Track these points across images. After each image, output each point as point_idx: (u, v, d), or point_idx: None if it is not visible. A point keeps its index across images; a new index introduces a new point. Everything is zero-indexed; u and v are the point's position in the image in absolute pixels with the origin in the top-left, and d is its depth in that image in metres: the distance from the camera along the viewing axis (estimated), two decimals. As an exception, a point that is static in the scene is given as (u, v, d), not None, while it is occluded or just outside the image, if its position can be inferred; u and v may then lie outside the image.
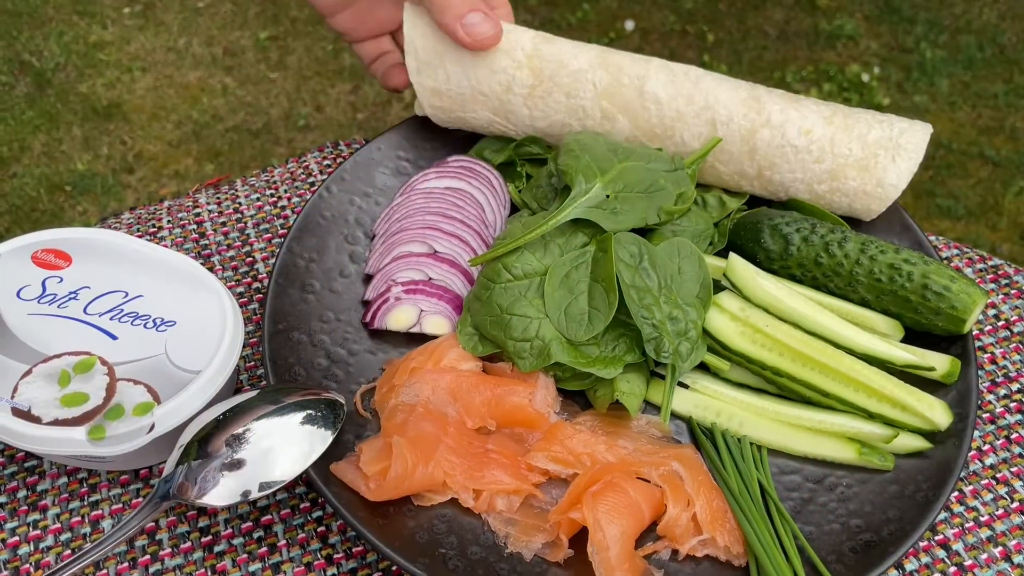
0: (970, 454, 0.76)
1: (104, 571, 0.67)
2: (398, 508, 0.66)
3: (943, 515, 0.73)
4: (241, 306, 0.84)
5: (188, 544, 0.69)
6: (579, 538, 0.65)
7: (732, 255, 0.79)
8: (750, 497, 0.67)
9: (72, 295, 0.74)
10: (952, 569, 0.69)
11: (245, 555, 0.68)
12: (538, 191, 0.85)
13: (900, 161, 0.81)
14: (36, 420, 0.66)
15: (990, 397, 0.81)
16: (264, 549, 0.69)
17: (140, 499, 0.71)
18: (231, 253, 0.89)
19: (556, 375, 0.75)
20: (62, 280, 0.75)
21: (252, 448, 0.67)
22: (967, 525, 0.72)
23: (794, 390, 0.74)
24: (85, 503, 0.71)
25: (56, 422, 0.66)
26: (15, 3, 3.33)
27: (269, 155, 2.78)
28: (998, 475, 0.75)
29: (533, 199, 0.85)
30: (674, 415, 0.75)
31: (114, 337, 0.72)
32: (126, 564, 0.67)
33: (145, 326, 0.72)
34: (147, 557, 0.68)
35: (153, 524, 0.70)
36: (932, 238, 0.92)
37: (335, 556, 0.68)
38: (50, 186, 2.68)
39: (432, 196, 0.86)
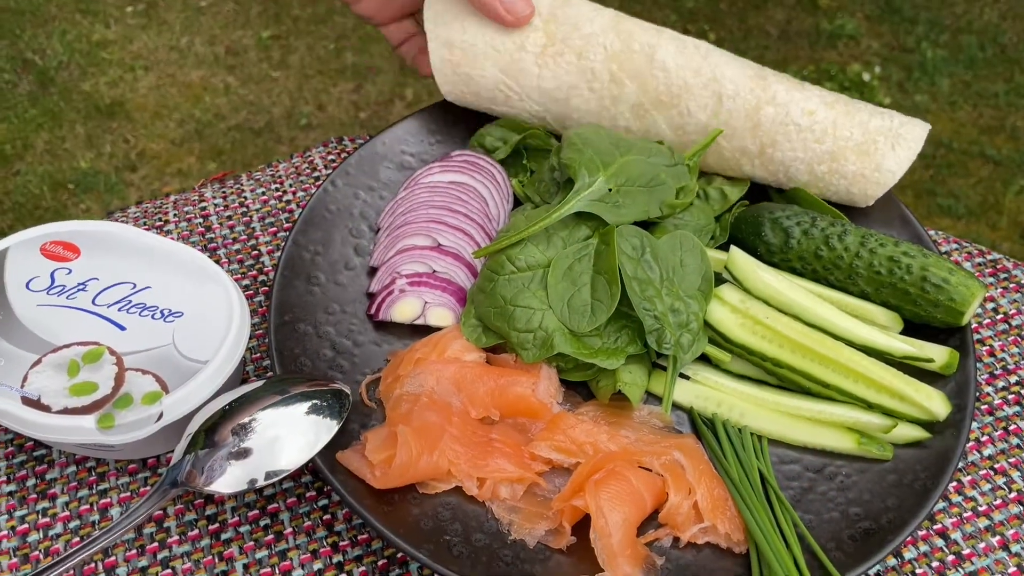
0: (968, 445, 0.77)
1: (112, 558, 0.68)
2: (403, 496, 0.67)
3: (941, 504, 0.73)
4: (247, 298, 0.85)
5: (195, 532, 0.70)
6: (582, 525, 0.66)
7: (733, 248, 0.79)
8: (750, 486, 0.68)
9: (81, 286, 0.75)
10: (950, 558, 0.70)
11: (252, 542, 0.69)
12: (541, 185, 0.86)
13: (899, 150, 0.82)
14: (46, 409, 0.67)
15: (988, 389, 0.81)
16: (271, 537, 0.69)
17: (148, 488, 0.72)
18: (237, 246, 0.90)
19: (559, 366, 0.75)
20: (71, 272, 0.76)
21: (258, 437, 0.68)
22: (965, 515, 0.73)
23: (794, 381, 0.75)
24: (94, 491, 0.72)
25: (65, 411, 0.67)
26: (18, 1, 3.34)
27: (271, 154, 2.79)
28: (996, 466, 0.76)
29: (536, 193, 0.86)
30: (676, 406, 0.76)
31: (122, 328, 0.73)
32: (134, 551, 0.68)
33: (153, 317, 0.73)
34: (155, 544, 0.69)
35: (161, 512, 0.71)
36: (932, 232, 0.93)
37: (340, 543, 0.69)
38: (53, 184, 2.69)
39: (436, 190, 0.86)
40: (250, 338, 0.80)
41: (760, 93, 0.83)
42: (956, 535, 0.72)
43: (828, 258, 0.79)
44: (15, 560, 0.68)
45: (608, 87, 0.85)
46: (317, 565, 0.68)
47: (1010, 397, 0.81)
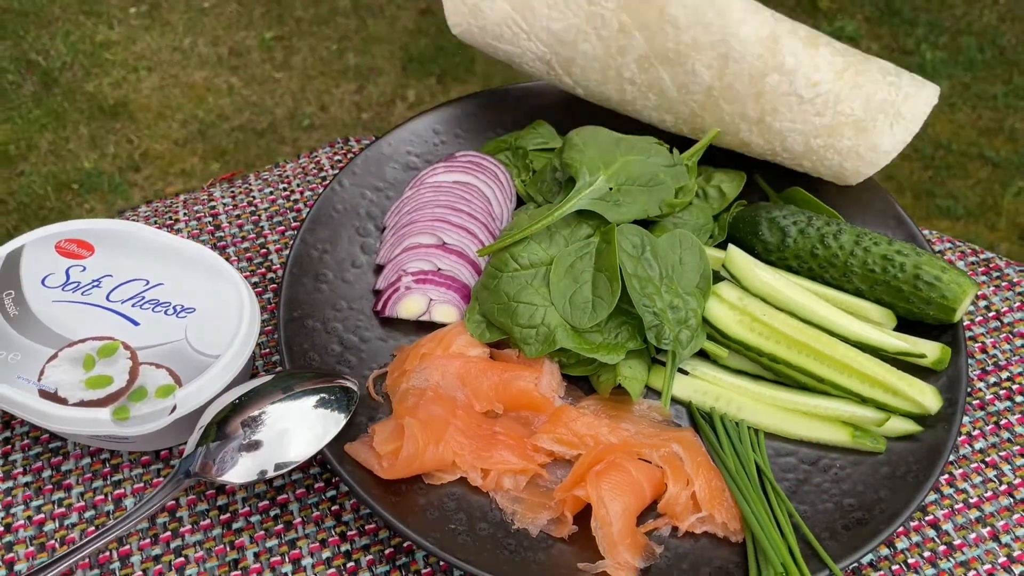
0: (960, 439, 0.79)
1: (127, 546, 0.70)
2: (409, 486, 0.69)
3: (933, 496, 0.75)
4: (256, 295, 0.87)
5: (207, 521, 0.72)
6: (583, 516, 0.68)
7: (731, 247, 0.81)
8: (747, 477, 0.70)
9: (95, 283, 0.77)
10: (942, 548, 0.72)
11: (262, 532, 0.71)
12: (543, 185, 0.88)
13: (897, 130, 0.82)
14: (62, 401, 0.69)
15: (980, 385, 0.83)
16: (280, 526, 0.71)
17: (160, 479, 0.74)
18: (245, 245, 0.92)
19: (561, 361, 0.77)
20: (85, 269, 0.78)
21: (268, 430, 0.70)
22: (956, 506, 0.75)
23: (790, 376, 0.77)
24: (108, 482, 0.74)
25: (82, 403, 0.69)
26: (22, 2, 3.36)
27: (275, 154, 2.81)
28: (987, 459, 0.78)
29: (538, 192, 0.88)
30: (674, 400, 0.78)
31: (136, 323, 0.75)
32: (148, 540, 0.70)
33: (166, 313, 0.75)
34: (168, 533, 0.71)
35: (174, 502, 0.73)
36: (926, 232, 0.95)
37: (348, 533, 0.71)
38: (57, 184, 2.71)
39: (440, 190, 0.88)
40: (259, 334, 0.82)
41: (768, 59, 0.82)
42: (947, 526, 0.73)
43: (823, 256, 0.81)
44: (31, 549, 0.70)
45: (616, 36, 0.84)
46: (326, 554, 0.70)
47: (1001, 392, 0.83)
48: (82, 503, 0.72)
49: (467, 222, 0.86)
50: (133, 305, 0.76)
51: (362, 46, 3.23)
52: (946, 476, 0.77)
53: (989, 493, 0.76)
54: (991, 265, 0.94)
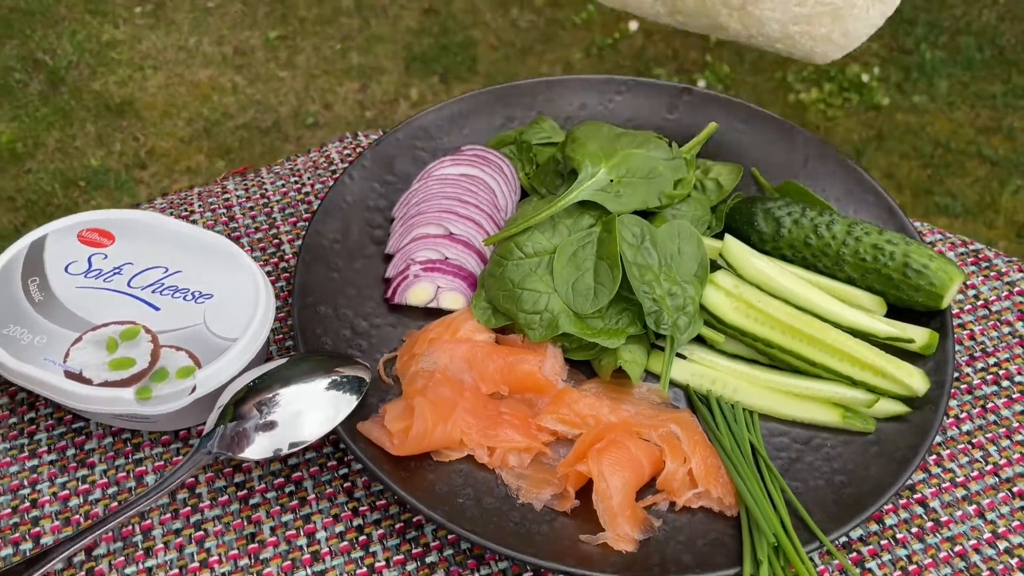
0: (948, 421, 0.82)
1: (148, 521, 0.73)
2: (419, 463, 0.72)
3: (921, 475, 0.78)
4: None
5: (225, 497, 0.75)
6: (584, 491, 0.71)
7: (728, 236, 0.84)
8: (742, 455, 0.73)
9: (116, 270, 0.80)
10: (929, 524, 0.75)
11: (278, 507, 0.74)
12: (546, 177, 0.91)
13: (873, 13, 0.86)
14: (87, 382, 0.73)
15: (968, 370, 0.86)
16: (295, 502, 0.75)
17: (180, 457, 0.77)
18: (259, 235, 0.95)
19: (563, 345, 0.81)
20: (106, 256, 0.81)
21: (283, 410, 0.73)
22: (944, 485, 0.78)
23: (784, 360, 0.80)
24: (129, 460, 0.77)
25: (106, 383, 0.72)
26: (28, 2, 3.40)
27: (279, 152, 2.84)
28: (974, 440, 0.81)
29: (542, 184, 0.91)
30: (673, 383, 0.81)
31: (156, 308, 0.78)
32: (169, 515, 0.73)
33: (184, 298, 0.78)
34: (188, 508, 0.74)
35: (193, 479, 0.76)
36: (918, 224, 0.98)
37: (360, 508, 0.74)
38: (64, 181, 2.75)
39: (447, 182, 0.92)
40: (273, 320, 0.85)
41: None
42: (935, 503, 0.77)
43: (816, 246, 0.84)
44: (57, 523, 0.73)
45: None
46: (339, 528, 0.73)
47: (988, 377, 0.86)
48: (105, 480, 0.76)
49: (473, 213, 0.89)
50: (153, 291, 0.79)
51: (365, 46, 3.26)
52: (934, 456, 0.80)
53: (975, 473, 0.79)
54: (980, 256, 0.97)
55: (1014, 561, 0.73)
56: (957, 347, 0.88)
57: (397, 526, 0.73)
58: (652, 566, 0.66)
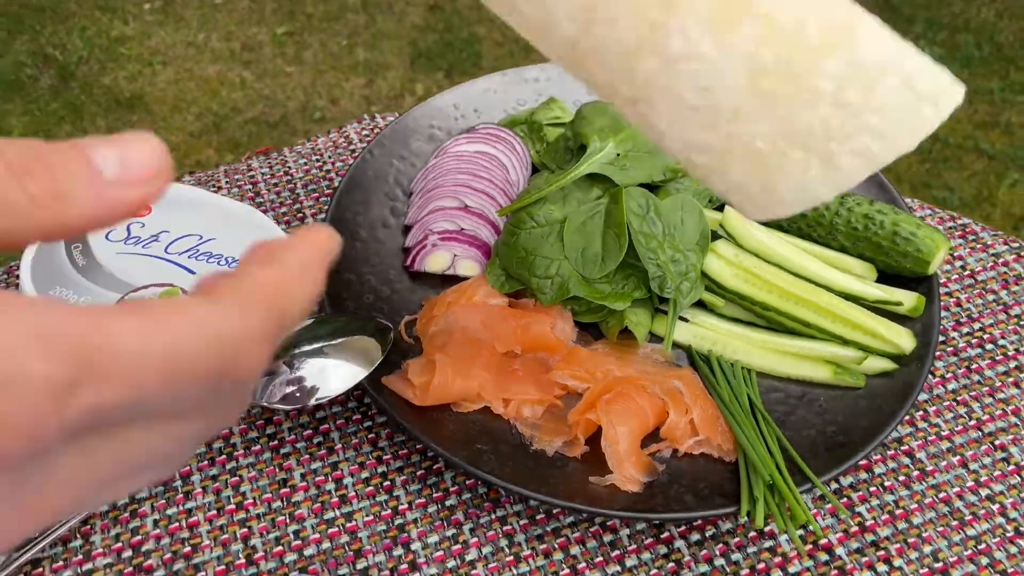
0: (934, 381, 0.87)
1: (187, 468, 0.78)
2: (439, 413, 0.78)
3: (908, 429, 0.84)
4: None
5: (258, 447, 0.80)
6: (593, 440, 0.76)
7: (728, 208, 0.90)
8: (740, 408, 0.78)
9: (153, 237, 0.86)
10: (915, 473, 0.80)
11: (307, 456, 0.79)
12: (556, 154, 0.97)
13: (814, 172, 0.49)
14: (130, 338, 0.78)
15: (954, 334, 0.92)
16: (323, 451, 0.80)
17: (214, 411, 0.82)
18: (283, 209, 1.01)
19: (573, 309, 0.86)
20: (144, 225, 0.87)
21: (311, 366, 0.78)
22: (930, 438, 0.83)
23: (780, 322, 0.85)
24: (167, 414, 0.82)
25: (148, 340, 0.78)
26: (39, -1, 3.45)
27: (287, 146, 2.88)
28: (958, 398, 0.86)
29: (552, 161, 0.97)
30: (675, 344, 0.86)
31: (192, 272, 0.83)
32: (206, 463, 0.79)
33: (219, 264, 0.84)
34: (224, 457, 0.79)
35: (228, 431, 0.81)
36: (909, 200, 1.03)
37: (384, 457, 0.79)
38: (77, 174, 2.79)
39: (462, 159, 0.97)
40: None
41: (646, 35, 0.47)
42: (921, 455, 0.82)
43: (811, 217, 0.89)
44: (102, 470, 0.78)
45: None
46: (364, 474, 0.78)
47: (973, 341, 0.91)
48: (145, 431, 0.81)
49: (487, 187, 0.94)
50: (189, 256, 0.84)
51: (371, 42, 3.31)
52: (920, 412, 0.85)
53: (960, 427, 0.84)
54: (967, 229, 1.02)
55: (995, 507, 0.78)
56: (944, 313, 0.93)
57: (419, 473, 0.79)
58: (656, 505, 0.72)
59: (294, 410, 0.81)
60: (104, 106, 3.03)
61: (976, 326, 0.93)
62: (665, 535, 0.75)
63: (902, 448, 0.82)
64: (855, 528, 0.76)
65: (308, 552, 0.73)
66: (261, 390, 0.77)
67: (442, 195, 0.94)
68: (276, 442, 0.81)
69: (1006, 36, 3.38)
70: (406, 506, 0.76)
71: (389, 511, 0.76)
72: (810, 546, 0.75)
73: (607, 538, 0.75)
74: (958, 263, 0.99)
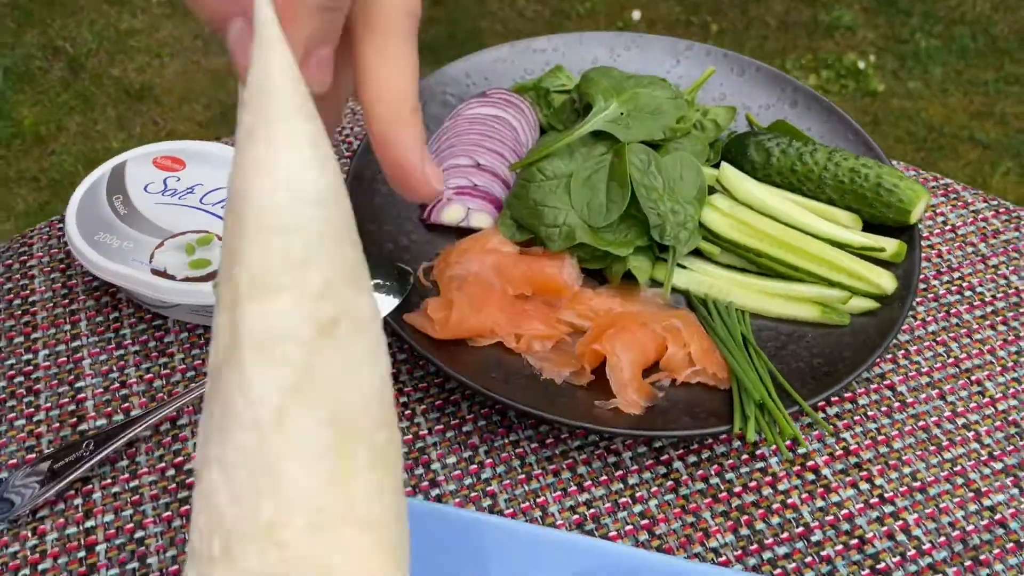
0: (915, 324, 0.94)
1: (223, 398, 0.85)
2: (457, 347, 0.84)
3: (890, 366, 0.90)
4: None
5: (288, 380, 0.86)
6: (598, 371, 0.83)
7: (724, 164, 0.96)
8: (733, 341, 0.85)
9: (189, 190, 0.92)
10: (896, 404, 0.87)
11: (334, 387, 0.86)
12: (563, 116, 1.03)
13: None
14: (171, 278, 0.84)
15: (935, 282, 0.98)
16: (348, 384, 0.86)
17: (247, 349, 0.89)
18: (306, 170, 1.07)
19: (579, 256, 0.92)
20: (179, 179, 0.93)
21: (337, 307, 0.85)
22: (910, 374, 0.90)
23: (771, 267, 0.91)
24: (205, 351, 0.88)
25: (187, 279, 0.84)
26: (49, -8, 3.51)
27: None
28: (938, 339, 0.93)
29: (559, 122, 1.03)
30: (674, 289, 0.92)
31: (226, 220, 0.89)
32: (240, 393, 0.85)
33: (250, 212, 0.90)
34: (257, 388, 0.85)
35: (259, 365, 0.87)
36: (896, 163, 1.09)
37: (404, 389, 0.86)
38: (87, 162, 2.86)
39: (475, 121, 1.03)
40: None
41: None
42: (902, 388, 0.88)
43: (801, 171, 0.96)
44: (144, 400, 0.85)
45: None
46: (387, 404, 0.85)
47: (953, 288, 0.97)
48: (184, 366, 0.87)
49: (498, 147, 1.01)
50: (222, 207, 0.91)
51: (377, 33, 3.36)
52: (902, 351, 0.91)
53: (938, 365, 0.90)
54: (949, 188, 1.09)
55: (971, 434, 0.85)
56: (926, 264, 1.00)
57: (437, 402, 0.85)
58: (656, 426, 0.78)
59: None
60: (114, 97, 3.09)
61: (956, 275, 0.99)
62: (664, 457, 0.81)
63: (884, 383, 0.89)
64: (840, 452, 0.83)
65: (336, 472, 0.80)
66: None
67: (457, 154, 1.00)
68: (305, 376, 0.87)
69: (1001, 29, 3.44)
70: (426, 431, 0.83)
71: (411, 436, 0.82)
72: (798, 467, 0.81)
73: (611, 459, 0.81)
74: (940, 219, 1.05)
